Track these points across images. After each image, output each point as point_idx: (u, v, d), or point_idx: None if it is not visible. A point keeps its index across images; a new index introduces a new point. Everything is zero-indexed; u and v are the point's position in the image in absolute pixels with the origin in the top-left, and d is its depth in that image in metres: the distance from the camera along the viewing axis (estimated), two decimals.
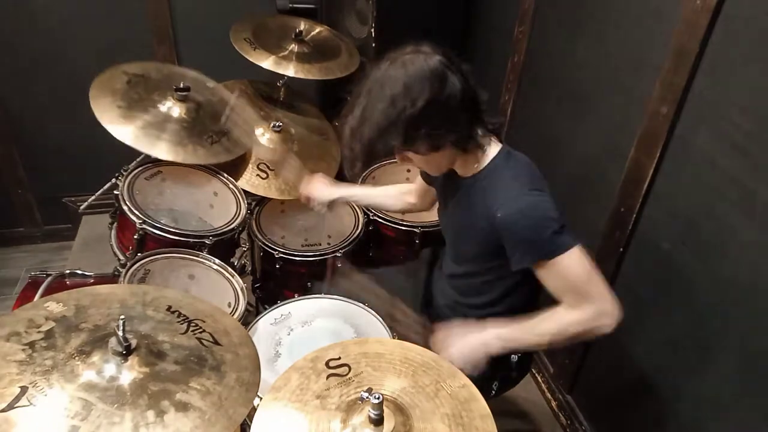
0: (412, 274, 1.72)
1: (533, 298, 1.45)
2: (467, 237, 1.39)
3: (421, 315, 1.59)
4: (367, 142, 1.20)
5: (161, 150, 1.79)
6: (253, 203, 2.09)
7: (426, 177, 1.61)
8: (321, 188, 1.77)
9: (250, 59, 2.11)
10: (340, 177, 2.21)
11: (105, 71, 1.87)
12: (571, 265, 1.22)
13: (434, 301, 1.62)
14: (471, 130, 1.26)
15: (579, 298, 1.23)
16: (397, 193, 1.77)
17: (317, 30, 2.36)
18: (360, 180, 2.21)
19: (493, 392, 1.49)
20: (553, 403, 2.17)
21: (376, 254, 2.14)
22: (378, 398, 0.96)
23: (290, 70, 2.14)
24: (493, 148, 1.33)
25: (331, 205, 1.79)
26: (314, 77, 2.18)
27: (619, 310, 1.22)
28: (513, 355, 1.45)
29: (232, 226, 1.87)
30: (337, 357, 1.13)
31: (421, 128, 1.18)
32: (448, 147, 1.25)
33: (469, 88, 1.21)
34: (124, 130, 1.76)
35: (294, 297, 1.68)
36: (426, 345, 1.30)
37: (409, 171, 2.25)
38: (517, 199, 1.24)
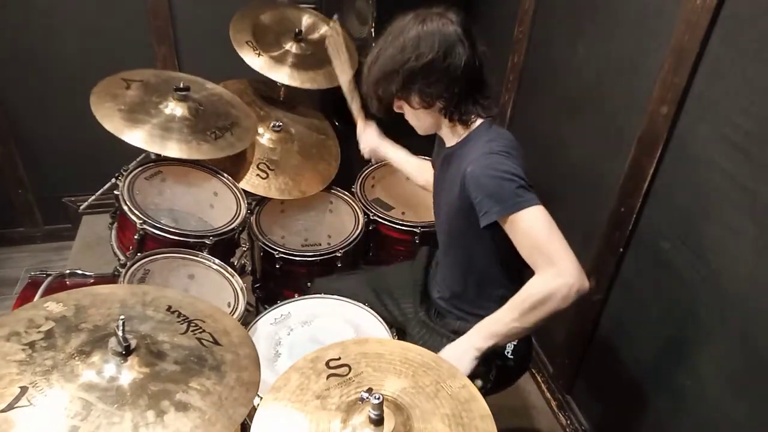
0: (410, 271, 1.73)
1: (514, 286, 1.46)
2: (446, 208, 1.44)
3: (420, 310, 1.60)
4: (373, 80, 1.37)
5: (168, 148, 1.79)
6: (253, 203, 2.09)
7: (434, 166, 1.69)
8: (372, 134, 1.91)
9: (254, 67, 2.11)
10: (340, 177, 2.22)
11: (103, 80, 1.87)
12: (535, 222, 1.24)
13: (430, 296, 1.63)
14: (462, 103, 1.35)
15: (544, 257, 1.24)
16: (422, 165, 1.86)
17: (322, 30, 2.34)
18: (359, 180, 2.21)
19: (490, 384, 1.48)
20: (553, 403, 2.17)
21: (376, 254, 2.14)
22: (378, 398, 0.96)
23: (287, 77, 2.13)
24: (478, 121, 1.40)
25: (373, 153, 1.91)
26: (308, 86, 2.17)
27: (583, 275, 1.21)
28: (509, 344, 1.46)
29: (232, 226, 1.87)
30: (337, 357, 1.13)
31: (417, 82, 1.31)
32: (436, 109, 1.37)
33: (474, 66, 1.31)
34: (129, 133, 1.76)
35: (294, 297, 1.68)
36: None
37: None
38: (486, 157, 1.29)
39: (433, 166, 1.65)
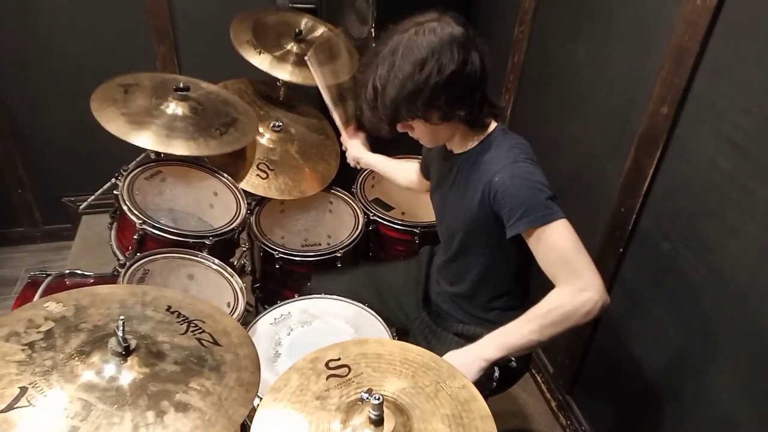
0: (410, 270, 1.73)
1: (521, 291, 1.46)
2: (461, 213, 1.39)
3: (422, 311, 1.60)
4: (390, 102, 1.23)
5: (175, 147, 1.80)
6: (253, 203, 2.08)
7: (423, 168, 1.70)
8: (358, 146, 1.95)
9: (255, 64, 2.11)
10: (340, 177, 2.22)
11: (100, 87, 1.86)
12: (563, 235, 1.21)
13: (431, 295, 1.63)
14: (483, 107, 1.30)
15: (569, 271, 1.21)
16: (406, 168, 1.86)
17: (320, 31, 2.34)
18: (359, 180, 2.21)
19: (494, 384, 1.48)
20: (553, 403, 2.17)
21: (376, 254, 2.14)
22: (378, 399, 0.96)
23: (288, 74, 2.13)
24: (491, 126, 1.36)
25: (359, 163, 1.95)
26: (312, 83, 2.16)
27: (605, 290, 1.20)
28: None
29: (232, 226, 1.87)
30: (337, 358, 1.13)
31: (442, 97, 1.22)
32: (457, 120, 1.30)
33: (485, 67, 1.25)
34: (135, 135, 1.77)
35: (294, 297, 1.67)
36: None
37: None
38: (514, 165, 1.26)
39: (423, 170, 1.64)
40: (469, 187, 1.34)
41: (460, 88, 1.22)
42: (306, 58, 2.03)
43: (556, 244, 1.21)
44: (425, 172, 1.71)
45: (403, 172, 1.86)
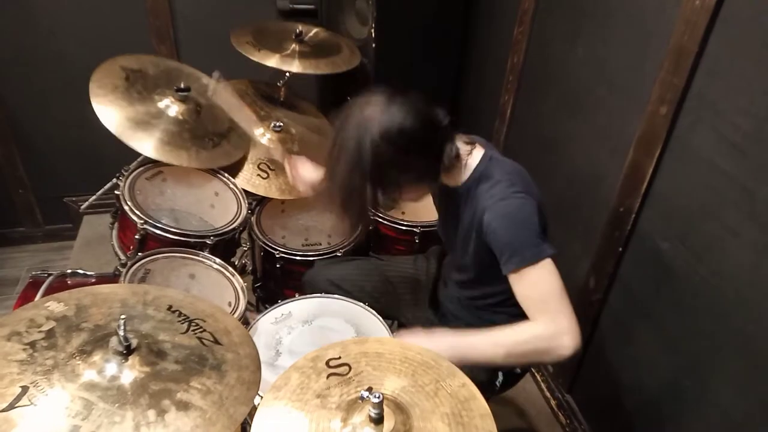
0: (419, 268, 1.72)
1: None
2: (464, 246, 1.39)
3: (427, 309, 1.60)
4: (340, 204, 1.24)
5: (165, 154, 1.80)
6: (254, 203, 2.09)
7: None
8: (308, 168, 1.74)
9: (255, 59, 2.12)
10: None
11: (100, 66, 1.87)
12: (546, 275, 1.22)
13: (438, 296, 1.63)
14: (433, 165, 1.25)
15: (547, 309, 1.22)
16: None
17: (314, 31, 2.36)
18: None
19: (498, 387, 1.49)
20: (553, 403, 2.17)
21: (376, 254, 2.14)
22: (378, 397, 0.96)
23: (296, 67, 2.15)
24: (475, 156, 1.33)
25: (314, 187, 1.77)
26: (321, 71, 2.19)
27: (579, 335, 1.21)
28: (499, 376, 1.46)
29: (232, 225, 1.87)
30: (338, 356, 1.13)
31: (379, 187, 1.20)
32: (413, 186, 1.27)
33: (422, 128, 1.19)
34: (117, 122, 1.77)
35: (294, 296, 1.68)
36: None
37: None
38: (502, 202, 1.24)
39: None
40: (466, 222, 1.34)
41: (396, 169, 1.19)
42: (209, 94, 1.93)
43: (539, 284, 1.22)
44: None
45: None
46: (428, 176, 1.27)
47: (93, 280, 1.82)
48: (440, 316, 1.59)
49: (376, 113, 1.17)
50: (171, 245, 1.72)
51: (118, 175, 1.91)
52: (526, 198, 1.25)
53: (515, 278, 1.24)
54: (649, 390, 1.67)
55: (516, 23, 2.18)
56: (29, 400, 0.90)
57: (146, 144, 1.78)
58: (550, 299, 1.22)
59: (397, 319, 1.63)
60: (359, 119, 1.18)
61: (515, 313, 1.34)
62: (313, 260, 1.94)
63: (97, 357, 0.99)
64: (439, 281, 1.66)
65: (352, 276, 1.70)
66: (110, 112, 1.78)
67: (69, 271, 1.83)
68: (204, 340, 1.10)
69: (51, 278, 1.75)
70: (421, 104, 1.21)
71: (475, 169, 1.32)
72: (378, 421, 0.98)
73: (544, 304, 1.22)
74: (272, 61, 2.13)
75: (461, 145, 1.31)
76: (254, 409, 1.05)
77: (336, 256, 1.94)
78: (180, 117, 1.88)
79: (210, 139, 1.91)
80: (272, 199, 2.10)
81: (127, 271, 1.60)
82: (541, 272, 1.21)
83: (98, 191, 2.13)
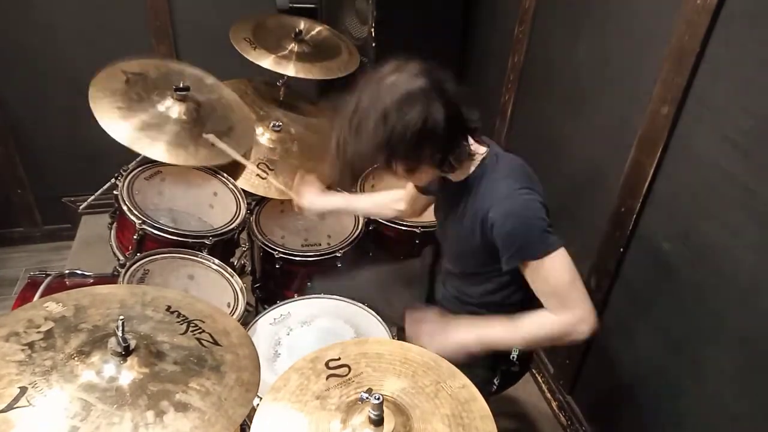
0: (415, 270, 1.72)
1: (528, 294, 1.45)
2: (464, 242, 1.39)
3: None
4: (349, 161, 1.23)
5: (162, 152, 1.79)
6: (253, 203, 2.08)
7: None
8: (312, 198, 1.80)
9: (250, 58, 2.11)
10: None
11: (102, 71, 1.87)
12: (556, 268, 1.24)
13: (436, 296, 1.62)
14: (451, 152, 1.24)
15: (561, 301, 1.25)
16: (386, 201, 1.77)
17: (317, 29, 2.36)
18: (359, 182, 2.21)
19: (495, 387, 1.49)
20: (554, 404, 2.17)
21: (376, 254, 2.14)
22: (378, 399, 0.96)
23: (290, 70, 2.13)
24: (481, 151, 1.33)
25: (322, 215, 1.84)
26: (314, 77, 2.18)
27: (596, 318, 1.25)
28: (513, 351, 1.45)
29: (231, 226, 1.87)
30: (337, 357, 1.13)
31: (399, 154, 1.19)
32: (426, 168, 1.25)
33: (452, 115, 1.18)
34: (125, 133, 1.77)
35: (294, 297, 1.67)
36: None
37: None
38: (507, 198, 1.25)
39: (422, 192, 1.60)
40: (469, 218, 1.33)
41: (419, 143, 1.17)
42: (205, 135, 1.91)
43: (551, 277, 1.25)
44: (424, 189, 1.61)
45: (382, 206, 1.78)
46: (435, 164, 1.25)
47: (91, 281, 1.82)
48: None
49: (417, 90, 1.16)
50: (169, 245, 1.72)
51: (116, 175, 1.91)
52: (531, 194, 1.26)
53: (527, 272, 1.27)
54: (649, 390, 1.66)
55: (517, 22, 2.18)
56: (28, 401, 0.90)
57: (156, 149, 1.79)
58: (563, 291, 1.25)
59: (394, 323, 1.62)
60: (398, 90, 1.16)
61: (515, 312, 1.34)
62: (313, 260, 1.93)
63: (95, 358, 0.98)
64: (437, 282, 1.66)
65: (347, 289, 1.70)
66: (106, 111, 1.77)
67: (67, 271, 1.82)
68: (203, 341, 1.10)
69: (49, 278, 1.75)
70: (460, 96, 1.22)
71: (479, 164, 1.32)
72: (378, 422, 0.97)
73: (558, 296, 1.25)
74: (267, 62, 2.12)
75: (469, 145, 1.31)
76: (253, 410, 1.04)
77: (336, 256, 1.93)
78: (177, 116, 1.88)
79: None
80: (271, 199, 2.10)
81: (125, 272, 1.59)
82: (552, 264, 1.23)
83: (97, 191, 2.12)
